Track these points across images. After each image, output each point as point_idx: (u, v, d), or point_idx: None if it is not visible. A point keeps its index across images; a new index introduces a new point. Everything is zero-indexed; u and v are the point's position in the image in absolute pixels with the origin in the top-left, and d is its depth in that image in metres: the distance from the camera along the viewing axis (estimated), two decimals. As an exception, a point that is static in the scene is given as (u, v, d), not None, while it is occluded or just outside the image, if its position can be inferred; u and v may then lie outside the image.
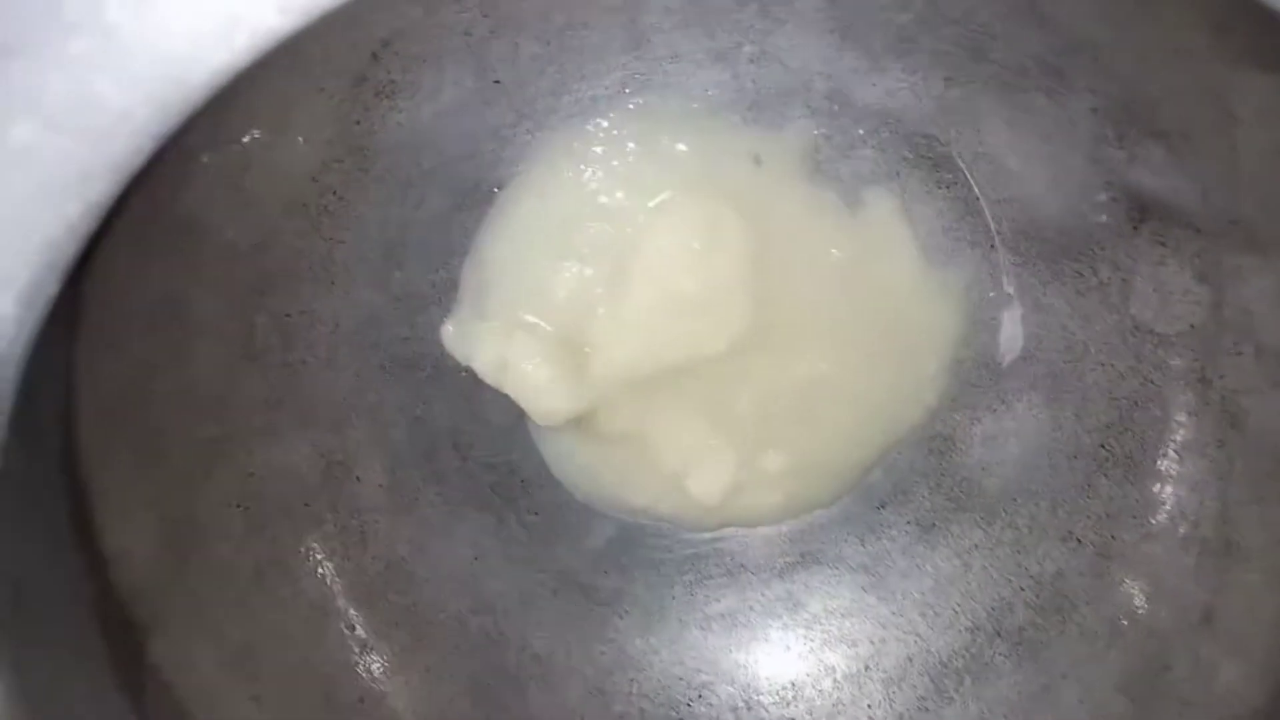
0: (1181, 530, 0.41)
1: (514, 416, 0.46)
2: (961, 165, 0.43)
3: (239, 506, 0.41)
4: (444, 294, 0.44)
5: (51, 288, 0.20)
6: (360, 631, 0.44)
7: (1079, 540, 0.44)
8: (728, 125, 0.43)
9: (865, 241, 0.45)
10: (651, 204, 0.44)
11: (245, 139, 0.34)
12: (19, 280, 0.20)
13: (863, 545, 0.48)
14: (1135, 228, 0.40)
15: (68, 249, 0.21)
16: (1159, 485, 0.42)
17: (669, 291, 0.44)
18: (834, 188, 0.44)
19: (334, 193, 0.41)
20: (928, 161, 0.43)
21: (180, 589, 0.38)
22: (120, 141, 0.20)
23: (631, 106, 0.43)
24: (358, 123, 0.40)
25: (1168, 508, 0.42)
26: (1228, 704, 0.38)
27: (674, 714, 0.46)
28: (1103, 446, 0.43)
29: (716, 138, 0.44)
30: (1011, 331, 0.45)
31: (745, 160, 0.44)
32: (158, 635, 0.37)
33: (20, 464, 0.25)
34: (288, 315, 0.41)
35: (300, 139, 0.37)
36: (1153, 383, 0.42)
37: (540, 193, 0.44)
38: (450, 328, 0.44)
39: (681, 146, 0.44)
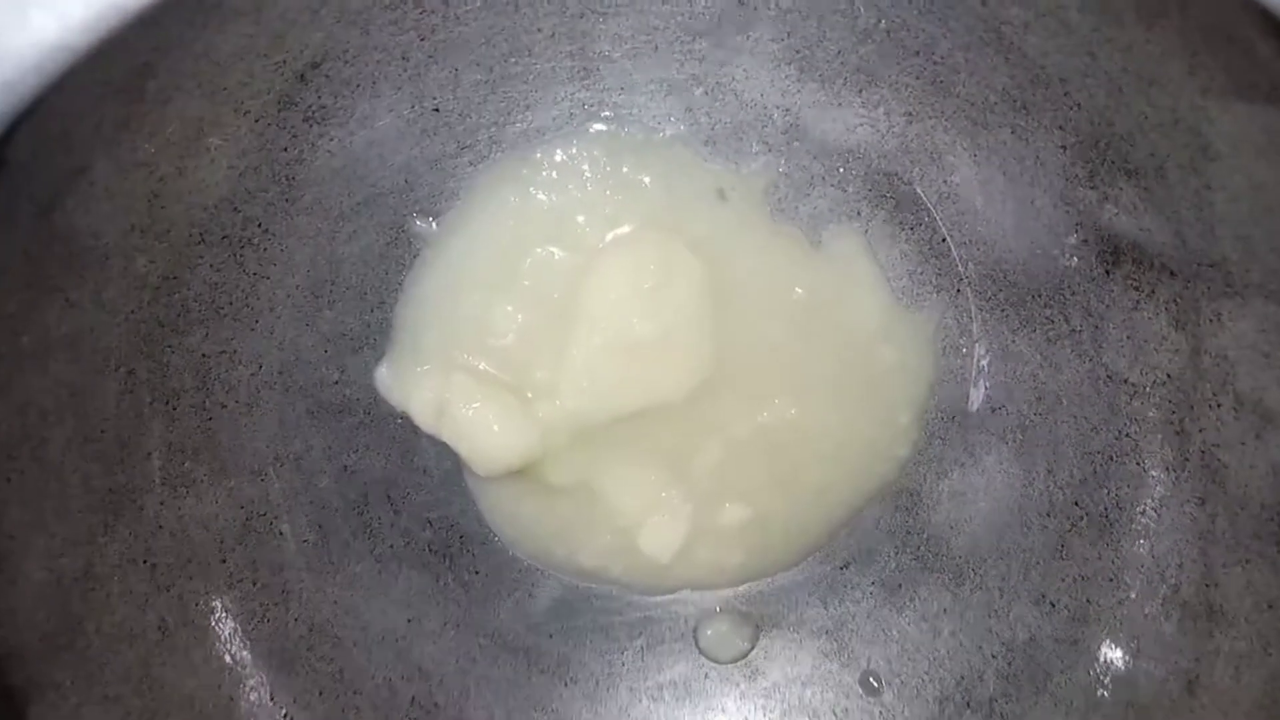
0: (1161, 593, 0.39)
1: (453, 466, 0.43)
2: (927, 205, 0.41)
3: (145, 563, 0.37)
4: (378, 335, 0.42)
5: None
6: (280, 699, 0.40)
7: (1053, 604, 0.41)
8: (693, 158, 0.42)
9: (831, 279, 0.43)
10: (610, 236, 0.42)
11: (152, 166, 0.31)
12: None
13: (825, 608, 0.45)
14: (1108, 271, 0.38)
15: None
16: (1137, 545, 0.40)
17: (621, 334, 0.42)
18: (795, 226, 0.42)
19: (258, 224, 0.38)
20: (890, 201, 0.41)
21: (72, 652, 0.34)
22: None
23: (592, 132, 0.41)
24: (285, 149, 0.37)
25: (1146, 569, 0.39)
26: (1214, 783, 0.35)
27: (620, 791, 0.43)
28: (1076, 504, 0.41)
29: (681, 170, 0.42)
30: (979, 381, 0.42)
31: (710, 195, 0.42)
32: (43, 704, 0.33)
33: None
34: (205, 355, 0.38)
35: (219, 161, 0.35)
36: (1128, 435, 0.39)
37: (482, 224, 0.42)
38: (384, 370, 0.42)
39: (645, 178, 0.42)
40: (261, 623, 0.41)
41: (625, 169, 0.42)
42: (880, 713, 0.43)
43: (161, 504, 0.38)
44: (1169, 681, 0.38)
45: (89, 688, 0.35)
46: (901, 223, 0.41)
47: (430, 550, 0.44)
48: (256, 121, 0.36)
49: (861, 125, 0.40)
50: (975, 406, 0.43)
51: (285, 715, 0.40)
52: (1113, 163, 0.36)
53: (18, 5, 0.17)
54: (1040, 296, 0.40)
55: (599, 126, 0.41)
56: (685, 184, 0.42)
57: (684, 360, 0.43)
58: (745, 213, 0.43)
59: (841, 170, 0.41)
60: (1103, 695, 0.39)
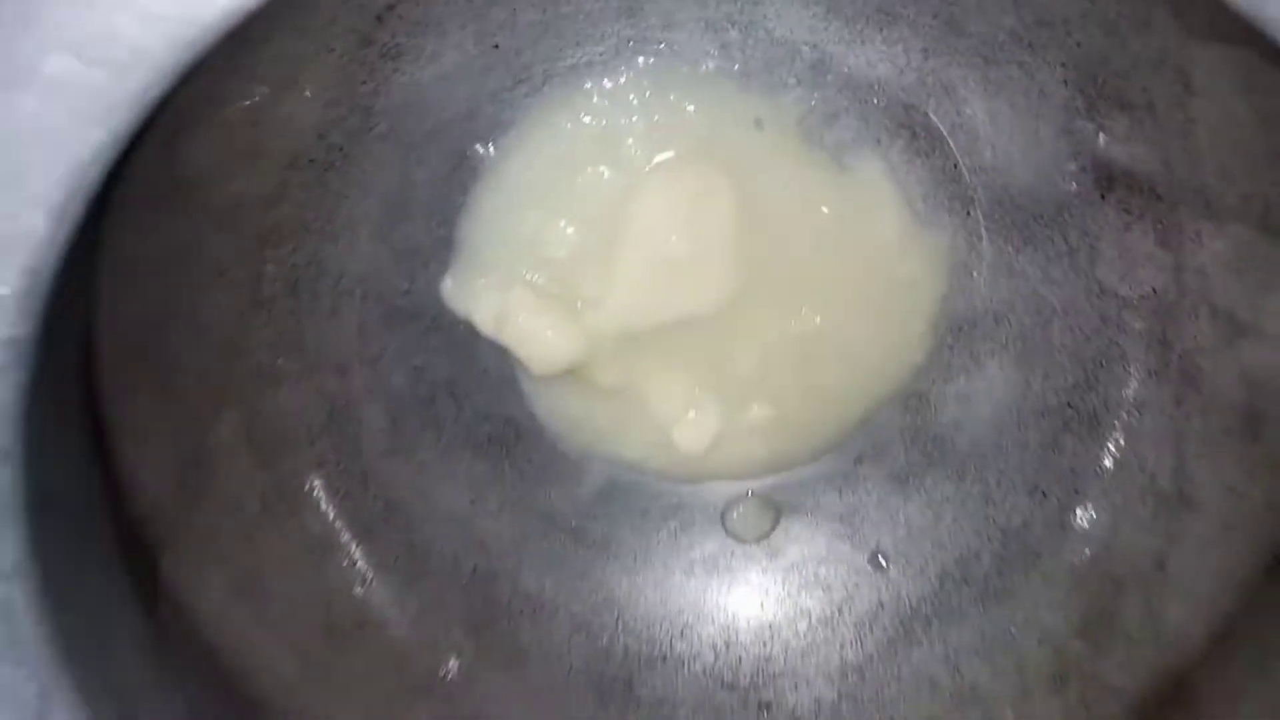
0: (1140, 482, 0.43)
1: (509, 368, 0.48)
2: (942, 133, 0.45)
3: (248, 444, 0.43)
4: (443, 249, 0.46)
5: (77, 209, 0.23)
6: (361, 564, 0.46)
7: (1044, 493, 0.46)
8: (732, 90, 0.45)
9: (855, 199, 0.47)
10: (656, 159, 0.46)
11: (253, 99, 0.36)
12: (51, 199, 0.22)
13: (840, 497, 0.50)
14: (1102, 195, 0.42)
15: (93, 173, 0.23)
16: (1120, 440, 0.44)
17: (660, 252, 0.46)
18: (824, 152, 0.46)
19: (340, 149, 0.43)
20: (907, 130, 0.45)
21: (190, 517, 0.40)
22: (140, 75, 0.22)
23: (640, 65, 0.45)
24: (363, 83, 0.42)
25: (1128, 462, 0.44)
26: (1173, 645, 0.40)
27: (656, 651, 0.49)
28: (1069, 405, 0.45)
29: (722, 101, 0.46)
30: (985, 294, 0.47)
31: (748, 123, 0.46)
32: (169, 557, 0.39)
33: (46, 385, 0.27)
34: (294, 265, 0.44)
35: (308, 94, 0.40)
36: (1116, 344, 0.44)
37: (537, 149, 0.46)
38: (449, 282, 0.47)
39: (690, 107, 0.46)
40: (345, 499, 0.46)
41: (671, 97, 0.46)
42: (886, 586, 0.48)
43: (260, 395, 0.44)
44: (1142, 559, 0.43)
45: (205, 548, 0.41)
46: (918, 150, 0.45)
47: (489, 441, 0.49)
48: (340, 58, 0.40)
49: (882, 61, 0.43)
50: (980, 318, 0.47)
51: (366, 578, 0.46)
52: (1109, 97, 0.40)
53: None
54: (1042, 218, 0.44)
55: (646, 59, 0.45)
56: (726, 113, 0.46)
57: (717, 276, 0.47)
58: (779, 139, 0.46)
59: (864, 102, 0.45)
60: (1084, 572, 0.44)
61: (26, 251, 0.22)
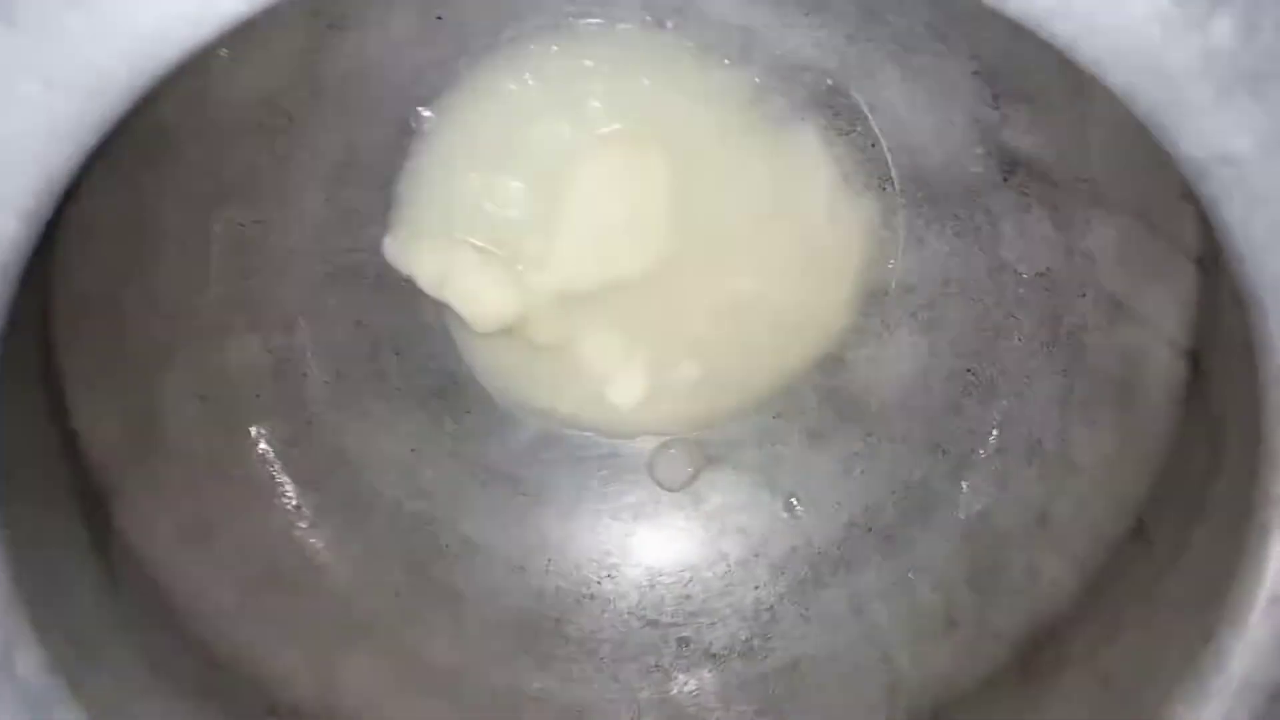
0: (1028, 445, 0.47)
1: (450, 323, 0.51)
2: (864, 113, 0.48)
3: (197, 397, 0.45)
4: (387, 210, 0.48)
5: (47, 212, 0.25)
6: (305, 511, 0.49)
7: (944, 451, 0.50)
8: (679, 62, 0.47)
9: (789, 169, 0.49)
10: (602, 128, 0.48)
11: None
12: (24, 204, 0.24)
13: (759, 449, 0.53)
14: (1005, 179, 0.46)
15: (62, 182, 0.25)
16: (1013, 406, 0.48)
17: (600, 217, 0.49)
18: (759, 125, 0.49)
19: (287, 116, 0.44)
20: (830, 110, 0.48)
21: (141, 467, 0.42)
22: (107, 97, 0.24)
23: (579, 35, 0.46)
24: (312, 53, 0.43)
25: (1018, 425, 0.48)
26: (1050, 595, 0.44)
27: (585, 590, 0.53)
28: (969, 371, 0.49)
29: (667, 73, 0.48)
30: (898, 265, 0.50)
31: (693, 96, 0.48)
32: (121, 506, 0.41)
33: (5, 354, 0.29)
34: (242, 225, 0.45)
35: (256, 65, 0.41)
36: (1014, 316, 0.47)
37: (479, 113, 0.48)
38: (392, 241, 0.48)
39: (641, 77, 0.47)
40: (291, 448, 0.49)
41: (614, 68, 0.47)
42: (799, 532, 0.52)
43: (208, 349, 0.46)
44: (1025, 515, 0.47)
45: (154, 495, 0.43)
46: (840, 129, 0.48)
47: (430, 393, 0.52)
48: (287, 30, 0.42)
49: (807, 45, 0.46)
50: (893, 287, 0.50)
51: (312, 523, 0.49)
52: (1011, 90, 0.43)
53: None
54: (951, 197, 0.48)
55: (585, 33, 0.46)
56: (673, 85, 0.48)
57: (653, 241, 0.50)
58: (721, 113, 0.48)
59: (792, 80, 0.47)
60: (975, 525, 0.49)
61: None
